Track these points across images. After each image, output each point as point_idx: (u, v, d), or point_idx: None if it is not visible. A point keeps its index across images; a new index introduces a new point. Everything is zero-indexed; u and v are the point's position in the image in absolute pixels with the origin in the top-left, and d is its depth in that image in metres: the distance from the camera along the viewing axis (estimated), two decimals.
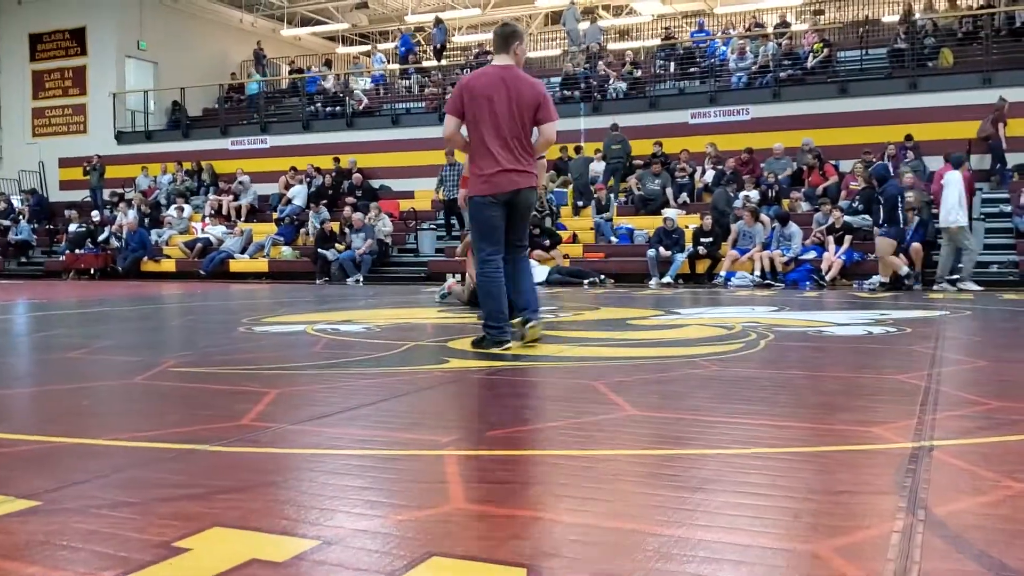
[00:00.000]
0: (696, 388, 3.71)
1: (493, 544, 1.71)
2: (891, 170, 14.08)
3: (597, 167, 17.00)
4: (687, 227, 14.54)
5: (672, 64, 19.75)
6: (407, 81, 22.22)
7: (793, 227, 13.59)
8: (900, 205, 12.00)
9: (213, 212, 19.46)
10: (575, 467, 2.34)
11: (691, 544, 1.72)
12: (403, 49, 23.25)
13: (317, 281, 15.93)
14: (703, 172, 16.59)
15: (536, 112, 5.00)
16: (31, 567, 1.58)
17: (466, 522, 1.85)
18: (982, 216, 14.02)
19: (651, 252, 14.14)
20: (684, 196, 16.29)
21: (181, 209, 19.67)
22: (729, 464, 2.36)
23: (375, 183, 19.19)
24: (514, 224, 5.13)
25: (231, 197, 19.71)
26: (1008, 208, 13.92)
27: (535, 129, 5.09)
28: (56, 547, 1.69)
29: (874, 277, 12.53)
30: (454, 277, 9.59)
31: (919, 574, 1.56)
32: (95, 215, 19.90)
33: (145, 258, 18.27)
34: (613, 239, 15.68)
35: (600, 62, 19.73)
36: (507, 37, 5.14)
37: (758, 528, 1.82)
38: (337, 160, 19.45)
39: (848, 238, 13.13)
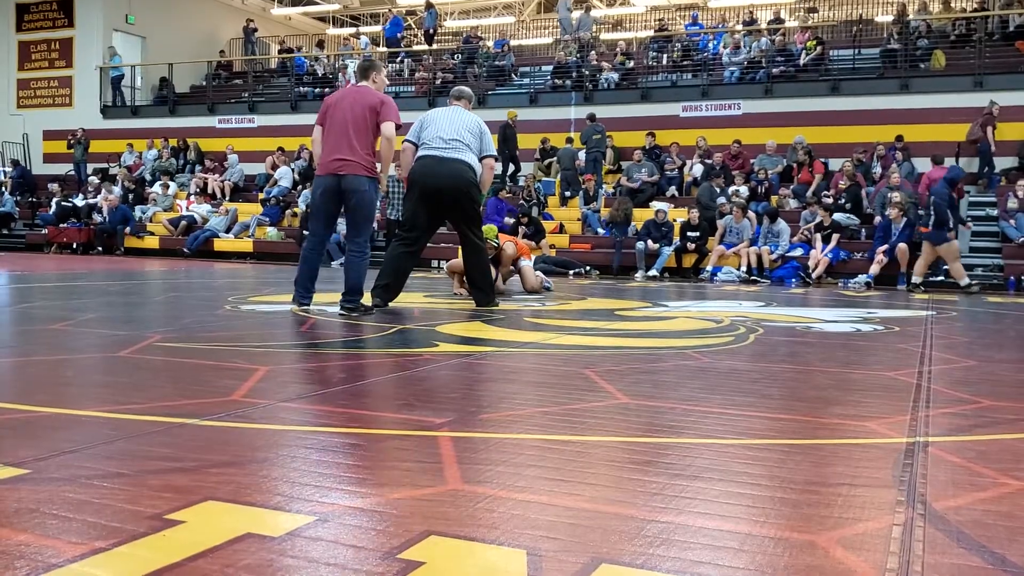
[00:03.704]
0: (687, 379, 3.70)
1: (491, 525, 1.69)
2: (880, 170, 14.16)
3: (584, 157, 16.96)
4: (675, 221, 14.54)
5: (665, 56, 19.70)
6: (397, 65, 22.06)
7: (782, 224, 13.62)
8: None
9: (198, 190, 19.28)
10: (570, 452, 2.32)
11: (691, 531, 1.70)
12: (392, 31, 23.09)
13: None
14: (691, 166, 16.58)
15: (377, 115, 5.96)
16: (21, 535, 1.54)
17: (463, 503, 1.82)
18: (969, 219, 14.10)
19: (640, 244, 14.13)
20: (673, 189, 16.30)
21: (166, 186, 19.47)
22: (725, 454, 2.35)
23: None
24: (348, 209, 6.10)
25: (216, 175, 19.53)
26: (995, 212, 14.00)
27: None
28: (47, 516, 1.65)
29: (860, 276, 12.59)
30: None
31: (923, 568, 1.54)
32: (83, 188, 19.66)
33: (127, 232, 18.02)
34: (600, 231, 15.66)
35: (592, 52, 19.65)
36: (365, 69, 6.35)
37: (758, 518, 1.80)
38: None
39: (836, 236, 13.18)
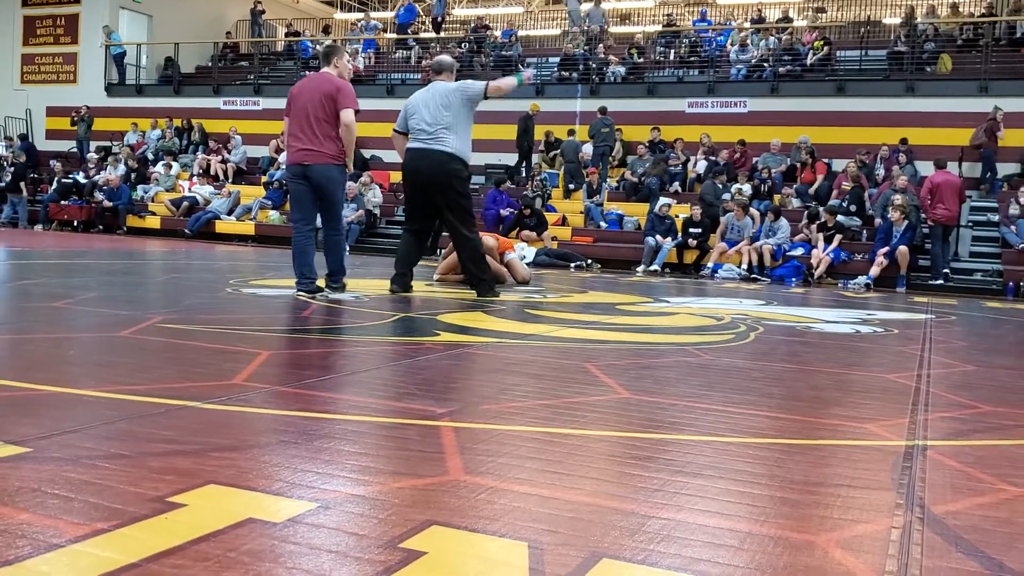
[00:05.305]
0: (688, 375, 3.70)
1: (492, 517, 1.69)
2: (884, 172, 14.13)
3: (588, 150, 16.94)
4: (677, 216, 14.53)
5: (672, 52, 19.64)
6: (406, 52, 21.99)
7: (783, 221, 13.62)
8: None
9: (201, 171, 19.24)
10: (571, 445, 2.32)
11: (692, 528, 1.70)
12: (406, 16, 22.98)
13: None
14: (695, 162, 16.56)
15: (335, 103, 6.08)
16: (23, 513, 1.54)
17: (464, 493, 1.83)
18: (970, 224, 14.10)
19: (650, 240, 14.05)
20: (676, 185, 16.28)
21: (169, 166, 19.43)
22: (725, 452, 2.35)
23: (366, 153, 19.02)
24: (321, 198, 6.25)
25: (219, 157, 19.48)
26: (996, 217, 13.99)
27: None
28: (48, 495, 1.65)
29: (860, 277, 12.59)
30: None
31: (921, 571, 1.55)
32: (85, 165, 19.59)
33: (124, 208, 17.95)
34: (603, 224, 15.65)
35: (600, 45, 19.59)
36: (328, 54, 6.44)
37: (758, 517, 1.81)
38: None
39: (838, 237, 13.18)
